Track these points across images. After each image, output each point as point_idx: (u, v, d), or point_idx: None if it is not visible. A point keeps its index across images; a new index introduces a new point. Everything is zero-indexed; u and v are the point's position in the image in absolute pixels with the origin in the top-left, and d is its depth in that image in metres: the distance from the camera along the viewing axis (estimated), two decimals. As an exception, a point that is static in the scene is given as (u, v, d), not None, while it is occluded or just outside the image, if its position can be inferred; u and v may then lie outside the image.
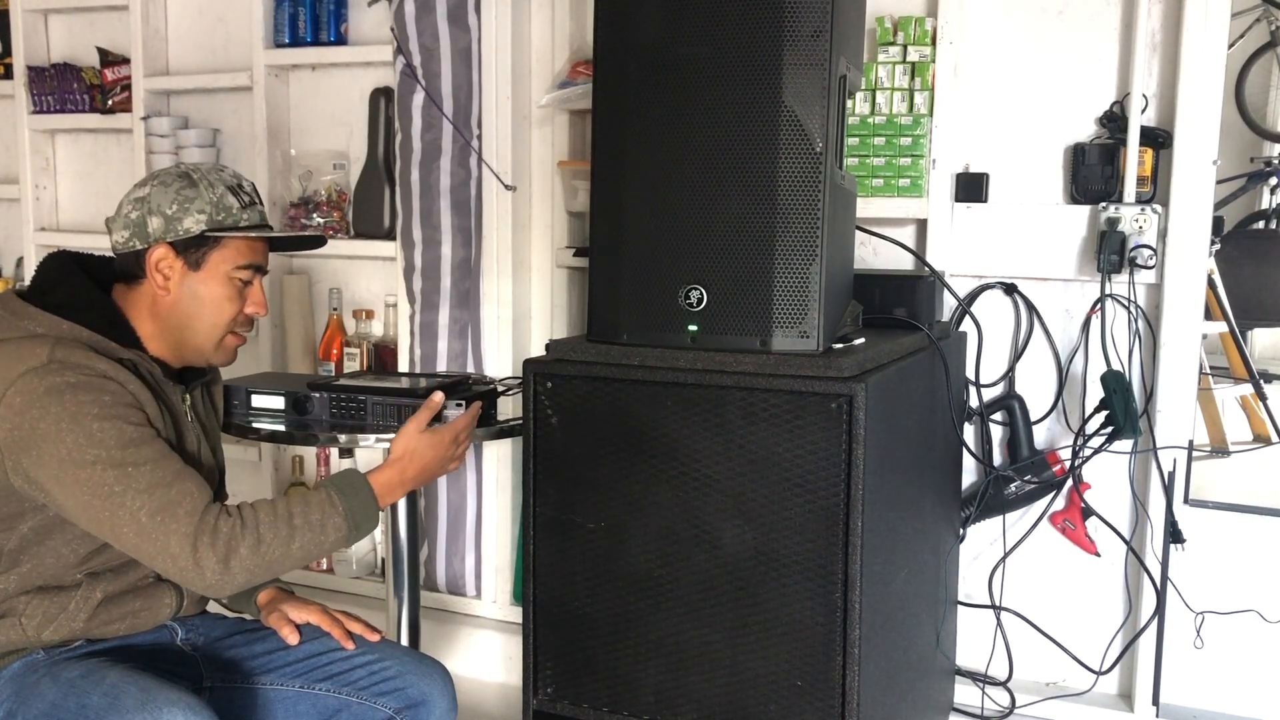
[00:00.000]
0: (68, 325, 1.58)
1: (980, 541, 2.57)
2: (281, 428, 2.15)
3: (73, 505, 1.51)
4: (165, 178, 1.66)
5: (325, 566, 3.10)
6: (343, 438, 2.13)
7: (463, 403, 2.10)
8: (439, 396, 1.91)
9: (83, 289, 1.64)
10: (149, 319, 1.67)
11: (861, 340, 1.89)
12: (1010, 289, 2.51)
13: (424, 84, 2.76)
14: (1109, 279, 2.34)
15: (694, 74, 1.76)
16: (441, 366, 2.84)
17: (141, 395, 1.58)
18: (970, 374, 2.52)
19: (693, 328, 1.80)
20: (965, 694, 2.56)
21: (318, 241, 1.92)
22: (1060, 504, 2.49)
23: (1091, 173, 2.40)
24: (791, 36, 1.71)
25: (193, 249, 1.65)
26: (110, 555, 1.62)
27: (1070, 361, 2.48)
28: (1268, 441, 2.59)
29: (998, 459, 2.53)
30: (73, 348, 1.55)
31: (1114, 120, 2.39)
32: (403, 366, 2.91)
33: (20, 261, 3.52)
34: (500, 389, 2.29)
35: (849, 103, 2.00)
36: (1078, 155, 2.42)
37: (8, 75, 3.43)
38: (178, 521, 1.50)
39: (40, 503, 1.55)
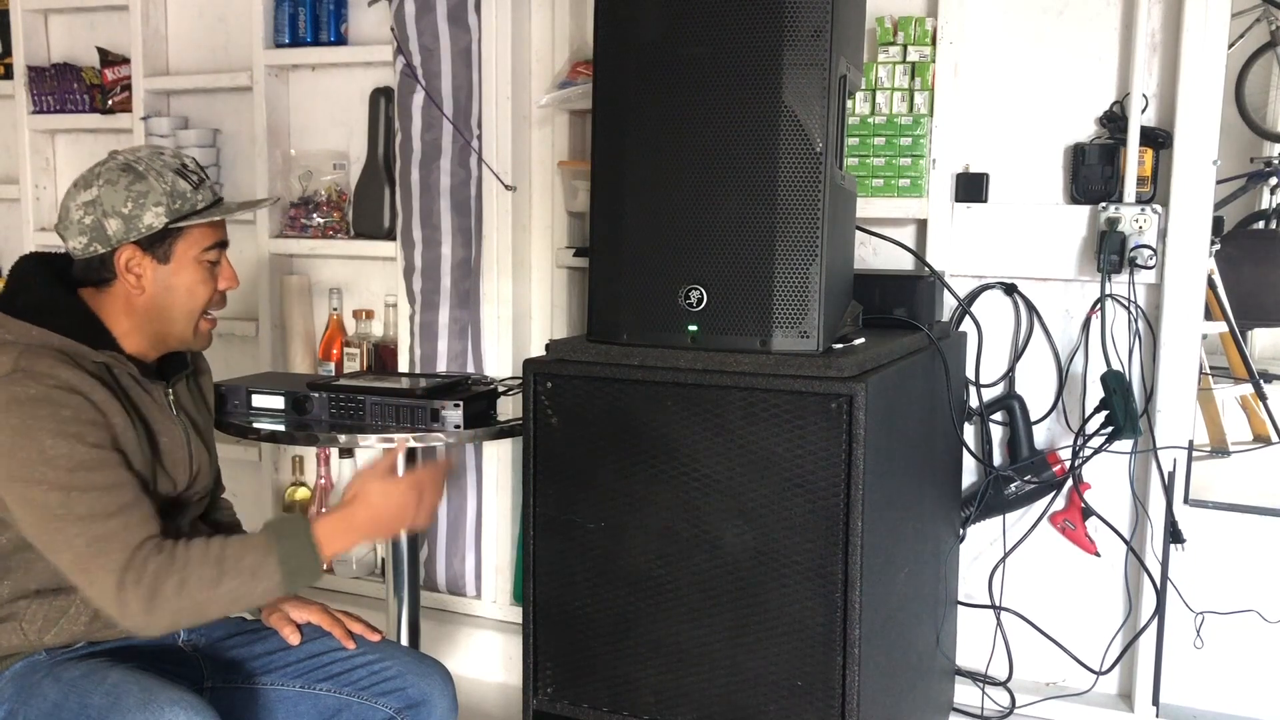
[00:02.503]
0: (37, 331, 1.56)
1: (980, 541, 2.57)
2: (281, 428, 2.15)
3: (20, 519, 1.52)
4: (110, 175, 1.63)
5: (325, 567, 3.10)
6: (342, 438, 2.13)
7: (461, 403, 2.10)
8: (399, 453, 1.79)
9: (51, 293, 1.62)
10: (124, 317, 1.65)
11: (861, 340, 1.89)
12: (1010, 289, 2.51)
13: (424, 84, 2.76)
14: (1109, 279, 2.34)
15: (694, 74, 1.76)
16: (441, 366, 2.84)
17: (109, 406, 1.56)
18: (970, 374, 2.52)
19: (693, 328, 1.80)
20: (965, 694, 2.56)
21: (273, 199, 1.90)
22: (1060, 504, 2.49)
23: (1091, 173, 2.40)
24: (791, 36, 1.71)
25: (158, 243, 1.63)
26: None
27: (1070, 361, 2.48)
28: (1268, 441, 2.59)
29: (998, 459, 2.53)
30: (39, 356, 1.52)
31: (1114, 120, 2.39)
32: (403, 366, 2.91)
33: (20, 261, 3.52)
34: (500, 389, 2.30)
35: (849, 103, 2.00)
36: (1078, 155, 2.42)
37: (8, 75, 3.43)
38: (109, 556, 1.48)
39: None
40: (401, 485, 1.64)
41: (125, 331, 1.66)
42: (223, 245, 1.71)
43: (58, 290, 1.63)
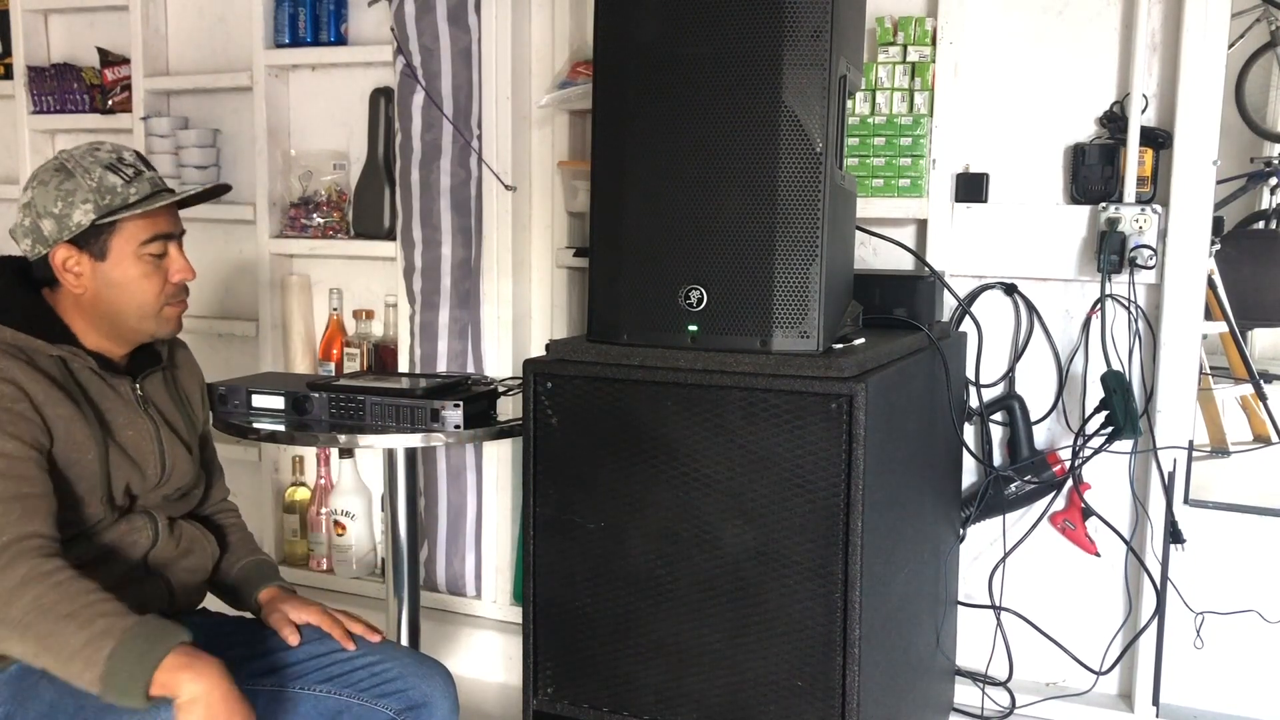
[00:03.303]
0: None
1: (980, 541, 2.57)
2: (281, 428, 2.15)
3: None
4: (43, 175, 1.63)
5: (325, 566, 3.10)
6: (342, 438, 2.13)
7: (461, 403, 2.10)
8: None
9: (6, 289, 1.63)
10: (78, 315, 1.65)
11: (861, 340, 1.89)
12: (1010, 289, 2.51)
13: (424, 84, 2.76)
14: (1109, 279, 2.34)
15: (694, 74, 1.76)
16: (441, 366, 2.84)
17: (49, 398, 1.55)
18: (970, 374, 2.52)
19: (693, 328, 1.80)
20: (965, 694, 2.56)
21: (219, 190, 1.82)
22: (1060, 504, 2.49)
23: (1091, 173, 2.40)
24: (791, 36, 1.71)
25: (91, 240, 1.62)
26: (82, 551, 1.61)
27: (1070, 361, 2.48)
28: (1268, 441, 2.59)
29: (998, 459, 2.53)
30: None
31: (1114, 120, 2.39)
32: (403, 366, 2.91)
33: (20, 261, 3.52)
34: (500, 389, 2.30)
35: (849, 103, 2.00)
36: (1078, 155, 2.42)
37: (8, 75, 3.43)
38: None
39: None
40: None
41: (83, 329, 1.66)
42: (167, 237, 1.68)
43: (15, 288, 1.64)
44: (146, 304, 1.67)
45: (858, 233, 2.08)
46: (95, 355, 1.65)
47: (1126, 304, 2.37)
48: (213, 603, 1.87)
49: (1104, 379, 2.31)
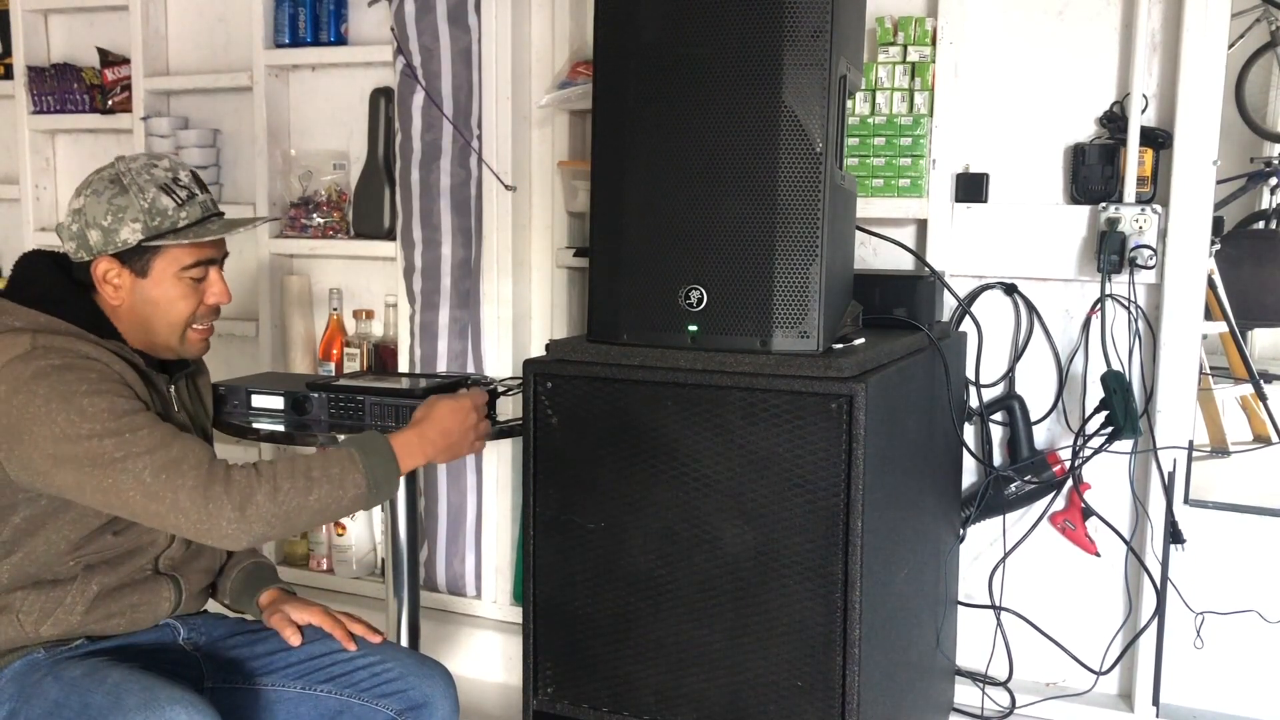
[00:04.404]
0: (45, 318, 1.59)
1: (980, 541, 2.57)
2: (281, 428, 2.15)
3: (74, 482, 1.51)
4: (98, 185, 1.64)
5: (325, 567, 3.10)
6: (342, 438, 2.12)
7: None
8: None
9: (59, 285, 1.65)
10: (116, 320, 1.67)
11: (861, 340, 1.89)
12: (1010, 289, 2.51)
13: (424, 84, 2.76)
14: (1109, 279, 2.34)
15: (694, 74, 1.76)
16: (441, 366, 2.84)
17: (127, 375, 1.59)
18: (970, 374, 2.52)
19: (693, 328, 1.80)
20: (965, 694, 2.56)
21: (268, 220, 1.99)
22: (1060, 504, 2.49)
23: (1091, 173, 2.40)
24: (791, 36, 1.71)
25: (135, 258, 1.64)
26: (103, 544, 1.62)
27: (1070, 361, 2.48)
28: (1268, 441, 2.59)
29: (998, 459, 2.53)
30: (54, 335, 1.56)
31: (1114, 120, 2.39)
32: (403, 366, 2.91)
33: (20, 261, 3.52)
34: (500, 389, 2.29)
35: (849, 103, 2.00)
36: (1078, 155, 2.42)
37: (8, 75, 3.43)
38: (183, 476, 1.50)
39: (36, 492, 1.55)
40: (464, 402, 1.78)
41: (123, 332, 1.68)
42: (209, 262, 1.70)
43: (65, 284, 1.66)
44: (178, 323, 1.69)
45: (858, 233, 2.08)
46: (139, 354, 1.68)
47: (1126, 304, 2.37)
48: (211, 605, 1.87)
49: (1104, 379, 2.31)
